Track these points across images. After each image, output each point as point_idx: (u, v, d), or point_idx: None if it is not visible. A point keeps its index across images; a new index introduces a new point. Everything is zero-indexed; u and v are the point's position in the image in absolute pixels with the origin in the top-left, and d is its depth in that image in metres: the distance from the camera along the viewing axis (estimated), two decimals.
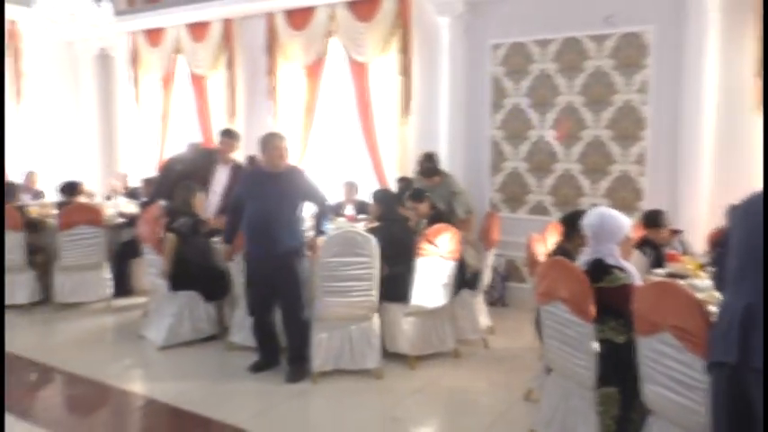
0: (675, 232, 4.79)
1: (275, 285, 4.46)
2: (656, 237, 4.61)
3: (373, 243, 4.40)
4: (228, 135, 5.84)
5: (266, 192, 4.41)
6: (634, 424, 2.97)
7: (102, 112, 9.92)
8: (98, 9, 7.10)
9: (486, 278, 5.47)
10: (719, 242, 4.21)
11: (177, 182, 5.43)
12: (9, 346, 5.08)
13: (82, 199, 6.91)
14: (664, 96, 5.74)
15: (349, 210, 6.46)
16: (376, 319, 4.57)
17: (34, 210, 6.83)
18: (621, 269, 3.21)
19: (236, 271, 4.93)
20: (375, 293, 4.47)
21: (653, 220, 4.69)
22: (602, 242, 3.27)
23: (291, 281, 4.43)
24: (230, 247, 4.77)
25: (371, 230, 4.80)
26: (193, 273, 5.19)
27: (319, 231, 4.61)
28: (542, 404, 3.54)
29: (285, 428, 3.81)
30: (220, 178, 5.70)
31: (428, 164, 6.01)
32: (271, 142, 4.48)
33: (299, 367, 4.47)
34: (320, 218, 4.67)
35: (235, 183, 5.43)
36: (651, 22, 5.75)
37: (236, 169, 5.75)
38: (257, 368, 4.59)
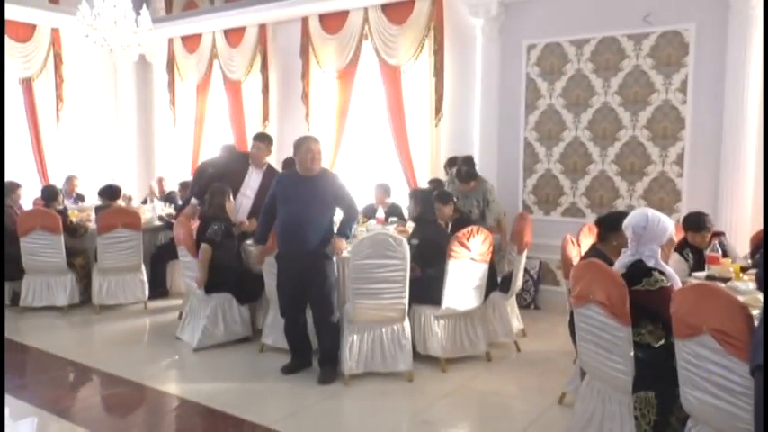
0: (716, 234, 4.65)
1: (305, 287, 4.48)
2: (696, 240, 4.48)
3: (405, 245, 4.38)
4: (261, 140, 5.84)
5: (299, 194, 4.43)
6: (672, 429, 2.89)
7: (140, 117, 10.15)
8: (138, 17, 7.25)
9: (519, 281, 5.40)
10: (762, 243, 4.11)
11: (209, 185, 5.46)
12: (49, 347, 5.23)
13: (120, 203, 7.05)
14: (704, 95, 5.61)
15: (380, 212, 6.45)
16: (407, 322, 4.54)
17: (74, 213, 6.98)
18: (662, 272, 3.12)
19: (268, 273, 4.96)
20: (406, 296, 4.45)
21: (695, 222, 4.54)
22: (645, 243, 3.19)
23: (321, 282, 4.44)
24: (262, 248, 4.79)
25: (413, 233, 4.86)
26: (227, 276, 5.23)
27: (343, 234, 4.56)
28: (577, 408, 3.47)
29: (316, 430, 3.81)
30: (253, 181, 5.72)
31: (467, 168, 5.90)
32: (304, 145, 4.48)
33: (330, 369, 4.47)
34: (346, 222, 4.63)
35: (268, 186, 5.46)
36: (691, 20, 5.62)
37: (270, 173, 5.75)
38: (290, 370, 4.60)
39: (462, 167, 5.91)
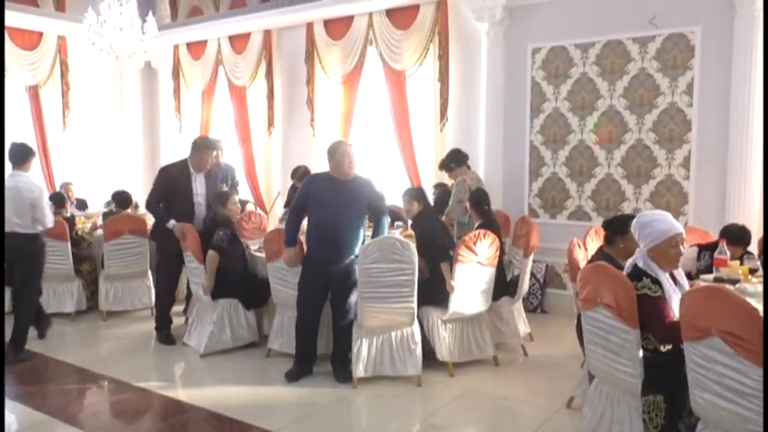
0: (747, 253, 4.47)
1: (331, 289, 4.52)
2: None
3: (412, 249, 4.38)
4: (194, 147, 5.62)
5: (336, 199, 4.42)
6: None
7: (146, 124, 10.19)
8: (144, 24, 7.30)
9: (526, 285, 5.38)
10: None
11: (160, 200, 5.47)
12: (57, 354, 5.24)
13: (128, 210, 7.07)
14: (711, 98, 5.60)
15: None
16: (416, 326, 4.54)
17: (81, 220, 7.00)
18: (655, 280, 3.07)
19: (275, 278, 4.96)
20: (414, 300, 4.44)
21: (739, 237, 4.32)
22: (640, 244, 3.21)
23: (349, 286, 4.50)
24: (295, 251, 4.62)
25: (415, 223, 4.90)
26: (233, 280, 5.23)
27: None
28: (585, 412, 3.45)
29: None
30: (200, 186, 5.60)
31: (443, 158, 6.10)
32: (340, 149, 4.47)
33: (347, 367, 4.51)
34: (379, 230, 4.65)
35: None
36: (697, 22, 5.62)
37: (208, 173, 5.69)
38: (294, 376, 4.58)
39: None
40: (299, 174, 6.80)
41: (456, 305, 4.61)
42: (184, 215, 5.46)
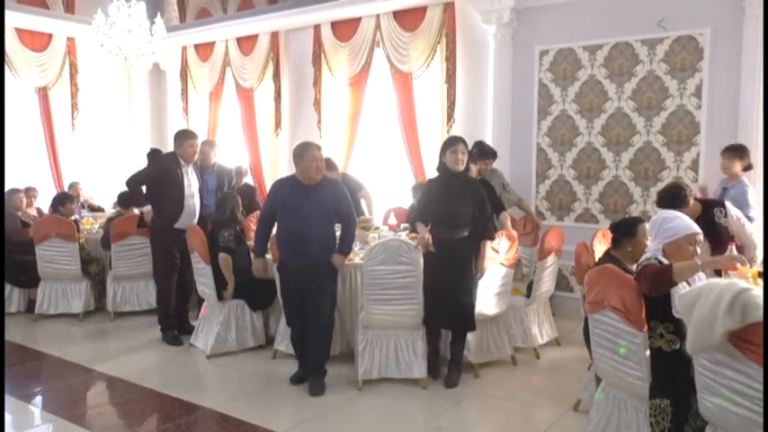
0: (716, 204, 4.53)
1: (307, 289, 4.36)
2: None
3: (418, 251, 4.36)
4: (175, 138, 5.59)
5: (303, 205, 4.28)
6: None
7: (153, 125, 10.23)
8: (152, 25, 7.33)
9: (543, 287, 5.34)
10: None
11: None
12: (65, 354, 5.27)
13: (135, 211, 7.08)
14: (719, 100, 5.58)
15: (392, 218, 6.44)
16: (422, 329, 4.52)
17: (89, 221, 7.03)
18: (659, 261, 3.09)
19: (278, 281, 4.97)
20: (420, 302, 4.42)
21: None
22: (653, 241, 3.22)
23: (322, 292, 4.35)
24: (264, 260, 4.58)
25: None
26: (240, 281, 5.24)
27: (344, 252, 4.46)
28: (592, 415, 3.43)
29: None
30: (193, 180, 5.58)
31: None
32: (308, 153, 4.27)
33: (319, 380, 4.40)
34: (346, 237, 4.48)
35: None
36: (706, 24, 5.60)
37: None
38: (298, 380, 4.55)
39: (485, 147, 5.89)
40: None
41: (477, 306, 4.55)
42: (173, 208, 5.41)
